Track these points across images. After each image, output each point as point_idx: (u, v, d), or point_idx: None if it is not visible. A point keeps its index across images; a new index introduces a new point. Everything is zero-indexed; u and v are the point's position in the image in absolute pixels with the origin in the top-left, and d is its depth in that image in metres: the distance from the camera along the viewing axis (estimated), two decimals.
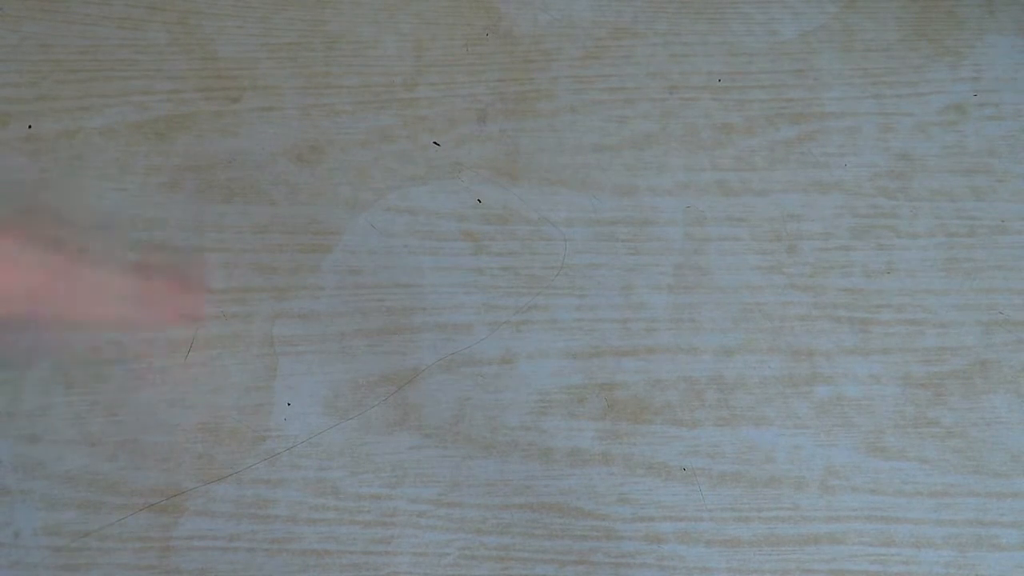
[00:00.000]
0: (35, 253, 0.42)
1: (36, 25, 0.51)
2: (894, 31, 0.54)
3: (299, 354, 0.46)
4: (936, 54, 0.54)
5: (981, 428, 0.46)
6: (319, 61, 0.52)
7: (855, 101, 0.53)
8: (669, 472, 0.45)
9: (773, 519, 0.44)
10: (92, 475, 0.43)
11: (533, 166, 0.50)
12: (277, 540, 0.43)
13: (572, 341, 0.47)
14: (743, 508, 0.44)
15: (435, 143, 0.51)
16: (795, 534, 0.44)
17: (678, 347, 0.47)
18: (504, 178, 0.50)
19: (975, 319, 0.48)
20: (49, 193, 0.47)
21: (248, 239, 0.48)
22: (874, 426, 0.46)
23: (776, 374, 0.47)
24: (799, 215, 0.50)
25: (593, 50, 0.53)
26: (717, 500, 0.45)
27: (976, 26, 0.55)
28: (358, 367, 0.46)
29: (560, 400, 0.46)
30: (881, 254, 0.49)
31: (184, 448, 0.44)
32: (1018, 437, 0.46)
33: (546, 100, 0.52)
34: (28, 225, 0.44)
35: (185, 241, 0.47)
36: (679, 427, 0.46)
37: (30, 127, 0.49)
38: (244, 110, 0.50)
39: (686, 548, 0.44)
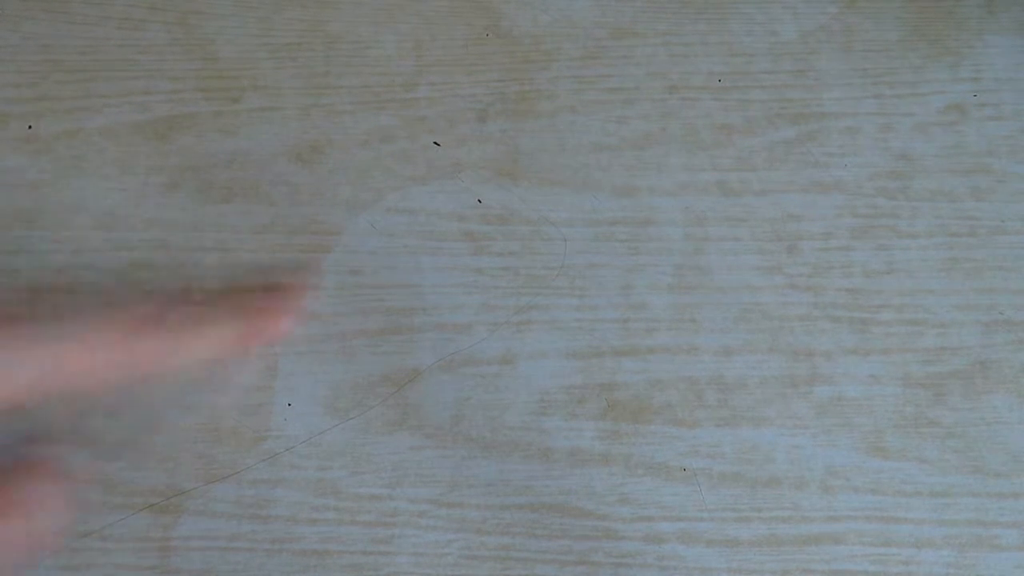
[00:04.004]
0: None
1: (36, 25, 0.51)
2: (894, 31, 0.54)
3: (299, 354, 0.46)
4: (936, 54, 0.54)
5: (981, 428, 0.46)
6: (319, 61, 0.52)
7: (855, 101, 0.53)
8: (669, 472, 0.45)
9: (773, 519, 0.44)
10: (92, 475, 0.43)
11: (533, 166, 0.50)
12: (277, 540, 0.43)
13: (572, 341, 0.47)
14: (743, 508, 0.44)
15: (435, 143, 0.51)
16: (795, 534, 0.44)
17: (678, 347, 0.47)
18: (504, 178, 0.50)
19: (975, 319, 0.48)
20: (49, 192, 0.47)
21: (248, 239, 0.48)
22: (874, 426, 0.46)
23: (776, 374, 0.47)
24: (799, 215, 0.50)
25: (593, 50, 0.53)
26: (717, 500, 0.45)
27: (976, 26, 0.55)
28: (358, 367, 0.46)
29: (560, 400, 0.46)
30: (881, 254, 0.49)
31: (184, 448, 0.44)
32: (1018, 437, 0.46)
33: (546, 100, 0.52)
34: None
35: (185, 241, 0.47)
36: (679, 427, 0.46)
37: (30, 127, 0.49)
38: (244, 110, 0.50)
39: (686, 548, 0.44)
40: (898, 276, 0.49)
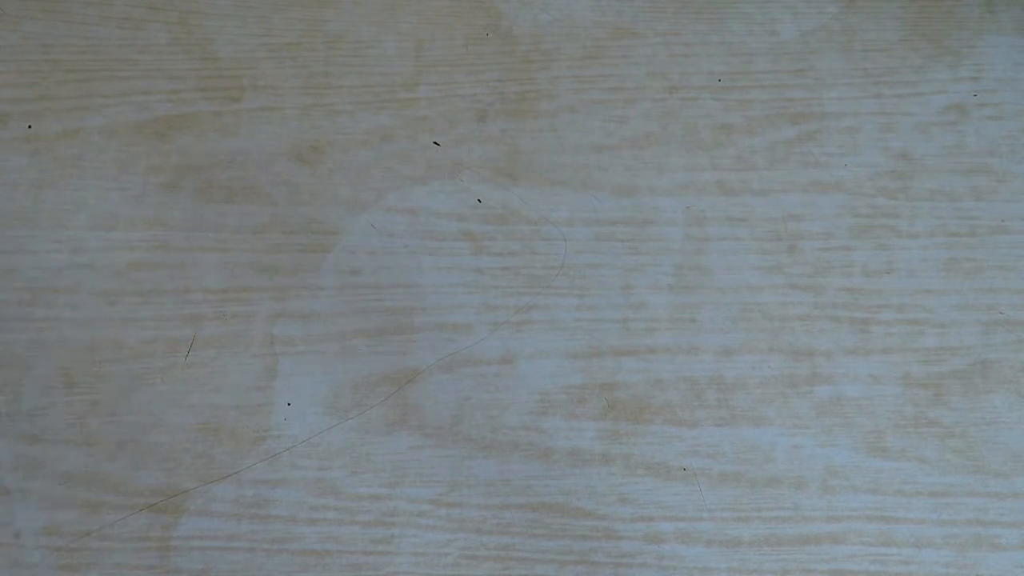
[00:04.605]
0: None
1: (36, 25, 0.51)
2: (894, 31, 0.54)
3: (299, 354, 0.46)
4: (936, 54, 0.54)
5: (981, 428, 0.46)
6: (319, 61, 0.52)
7: (855, 101, 0.53)
8: (669, 472, 0.45)
9: (773, 519, 0.44)
10: (92, 475, 0.43)
11: (533, 166, 0.50)
12: (277, 540, 0.43)
13: (572, 341, 0.47)
14: (743, 508, 0.44)
15: (435, 143, 0.51)
16: (795, 534, 0.44)
17: (678, 347, 0.47)
18: (504, 178, 0.50)
19: (975, 319, 0.48)
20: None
21: (248, 239, 0.48)
22: (874, 426, 0.46)
23: (776, 374, 0.47)
24: (799, 215, 0.50)
25: (593, 50, 0.53)
26: (717, 500, 0.45)
27: (976, 26, 0.55)
28: (358, 367, 0.46)
29: (560, 400, 0.46)
30: (881, 254, 0.49)
31: (184, 448, 0.44)
32: (1018, 437, 0.46)
33: (546, 100, 0.52)
34: None
35: (185, 241, 0.47)
36: (679, 427, 0.46)
37: (30, 127, 0.49)
38: (244, 110, 0.50)
39: (686, 548, 0.44)
40: (898, 276, 0.49)
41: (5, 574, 0.42)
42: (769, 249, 0.49)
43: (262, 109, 0.50)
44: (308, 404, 0.45)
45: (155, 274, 0.47)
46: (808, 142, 0.51)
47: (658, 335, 0.47)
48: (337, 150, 0.50)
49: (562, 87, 0.52)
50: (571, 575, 0.43)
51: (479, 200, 0.49)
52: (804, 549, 0.44)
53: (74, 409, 0.44)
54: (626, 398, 0.46)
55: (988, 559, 0.44)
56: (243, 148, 0.50)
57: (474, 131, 0.51)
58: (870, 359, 0.47)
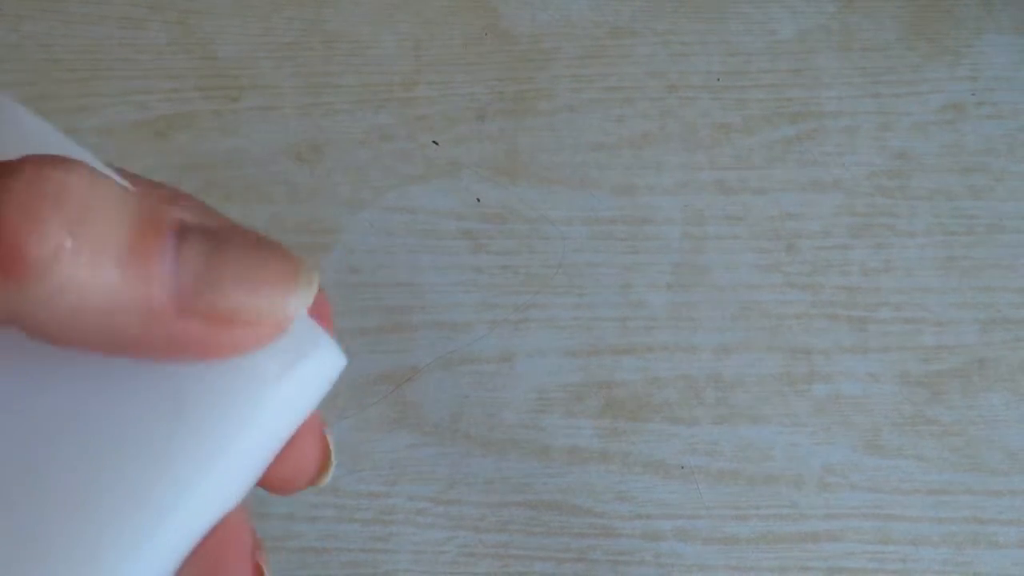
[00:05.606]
0: None
1: (36, 25, 0.51)
2: (892, 30, 0.55)
3: None
4: (934, 53, 0.54)
5: (979, 426, 0.46)
6: (318, 60, 0.52)
7: (853, 100, 0.53)
8: (667, 470, 0.45)
9: (771, 517, 0.44)
10: None
11: (532, 165, 0.50)
12: (276, 538, 0.43)
13: (571, 339, 0.47)
14: (741, 506, 0.45)
15: (434, 142, 0.51)
16: (793, 532, 0.44)
17: (676, 345, 0.47)
18: (503, 177, 0.50)
19: (973, 317, 0.48)
20: None
21: None
22: (872, 424, 0.46)
23: (774, 372, 0.47)
24: (797, 214, 0.50)
25: (592, 49, 0.53)
26: (715, 498, 0.45)
27: (974, 25, 0.55)
28: (356, 365, 0.46)
29: (559, 398, 0.46)
30: (879, 252, 0.49)
31: None
32: (1016, 435, 0.46)
33: (545, 99, 0.52)
34: None
35: None
36: (677, 425, 0.46)
37: None
38: (243, 109, 0.50)
39: (684, 546, 0.44)
40: (896, 274, 0.49)
41: None
42: (767, 248, 0.49)
43: (261, 108, 0.50)
44: None
45: None
46: (806, 141, 0.52)
47: (656, 333, 0.47)
48: (336, 149, 0.50)
49: (561, 86, 0.52)
50: (569, 572, 0.43)
51: (478, 199, 0.50)
52: (802, 547, 0.44)
53: None
54: (624, 396, 0.46)
55: (985, 556, 0.44)
56: (242, 147, 0.50)
57: (473, 130, 0.51)
58: (868, 357, 0.47)
